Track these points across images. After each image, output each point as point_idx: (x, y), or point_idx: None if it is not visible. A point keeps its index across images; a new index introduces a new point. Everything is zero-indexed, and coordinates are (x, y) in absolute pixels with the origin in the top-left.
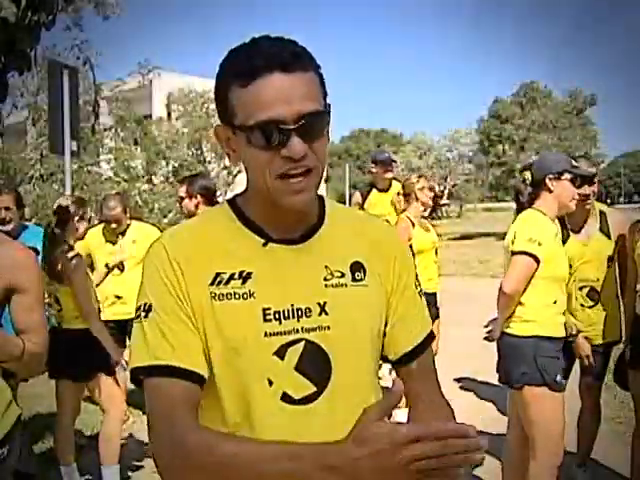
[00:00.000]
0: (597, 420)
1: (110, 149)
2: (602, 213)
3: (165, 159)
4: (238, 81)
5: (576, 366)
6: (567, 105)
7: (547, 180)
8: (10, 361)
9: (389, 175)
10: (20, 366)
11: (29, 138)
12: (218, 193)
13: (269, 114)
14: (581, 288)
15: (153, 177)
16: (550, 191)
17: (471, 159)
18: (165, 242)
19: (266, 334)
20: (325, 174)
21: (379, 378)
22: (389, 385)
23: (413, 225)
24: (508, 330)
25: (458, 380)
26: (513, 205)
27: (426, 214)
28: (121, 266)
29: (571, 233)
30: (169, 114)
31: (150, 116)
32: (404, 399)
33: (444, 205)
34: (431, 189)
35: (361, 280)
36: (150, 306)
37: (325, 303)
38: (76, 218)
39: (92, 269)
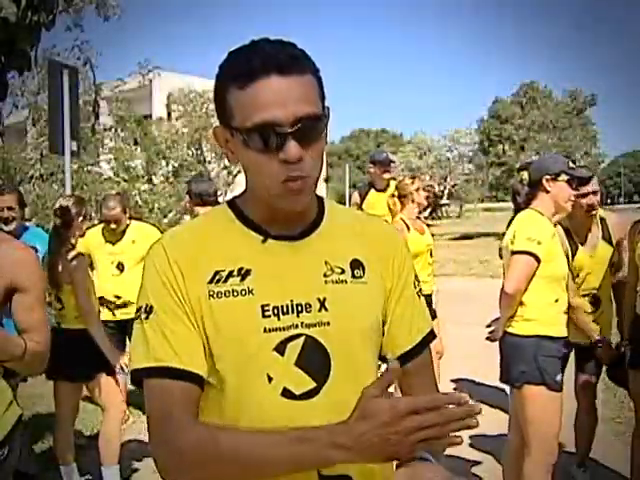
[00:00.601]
0: (594, 420)
1: (110, 149)
2: (602, 220)
3: (165, 159)
4: (236, 83)
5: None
6: (567, 105)
7: (544, 181)
8: (12, 361)
9: (387, 175)
10: (22, 365)
11: (29, 138)
12: (218, 193)
13: (265, 116)
14: (584, 296)
15: (153, 177)
16: (547, 192)
17: (471, 159)
18: (165, 243)
19: (265, 330)
20: (325, 174)
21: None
22: None
23: (408, 228)
24: (510, 329)
25: (457, 380)
26: (513, 205)
27: (422, 215)
28: (121, 266)
29: (579, 245)
30: (169, 114)
31: (150, 116)
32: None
33: (444, 205)
34: (426, 189)
35: (360, 277)
36: (151, 307)
37: (325, 299)
38: (80, 218)
39: (92, 269)
